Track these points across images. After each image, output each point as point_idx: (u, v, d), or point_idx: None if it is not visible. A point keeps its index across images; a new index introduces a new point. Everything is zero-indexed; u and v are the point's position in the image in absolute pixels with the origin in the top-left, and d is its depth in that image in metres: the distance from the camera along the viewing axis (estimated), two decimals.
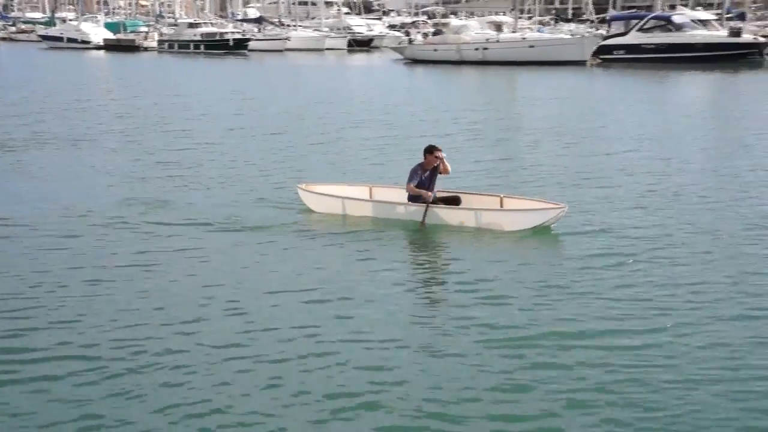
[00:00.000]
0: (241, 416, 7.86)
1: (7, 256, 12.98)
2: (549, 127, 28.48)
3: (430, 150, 14.80)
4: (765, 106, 35.80)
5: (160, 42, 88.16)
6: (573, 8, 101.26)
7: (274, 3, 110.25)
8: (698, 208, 16.24)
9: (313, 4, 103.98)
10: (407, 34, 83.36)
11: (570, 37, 67.45)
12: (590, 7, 77.01)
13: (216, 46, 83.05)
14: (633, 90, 45.51)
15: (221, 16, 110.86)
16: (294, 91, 43.81)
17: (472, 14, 75.40)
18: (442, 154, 14.65)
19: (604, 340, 9.54)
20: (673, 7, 76.32)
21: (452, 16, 79.45)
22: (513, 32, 66.63)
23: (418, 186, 14.62)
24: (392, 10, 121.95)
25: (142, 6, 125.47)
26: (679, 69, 55.05)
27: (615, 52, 63.06)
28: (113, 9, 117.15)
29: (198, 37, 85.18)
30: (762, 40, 62.82)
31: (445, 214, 14.60)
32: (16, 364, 9.02)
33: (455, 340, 9.59)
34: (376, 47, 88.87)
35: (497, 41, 64.87)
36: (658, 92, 44.65)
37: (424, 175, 14.72)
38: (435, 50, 67.22)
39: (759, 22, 74.34)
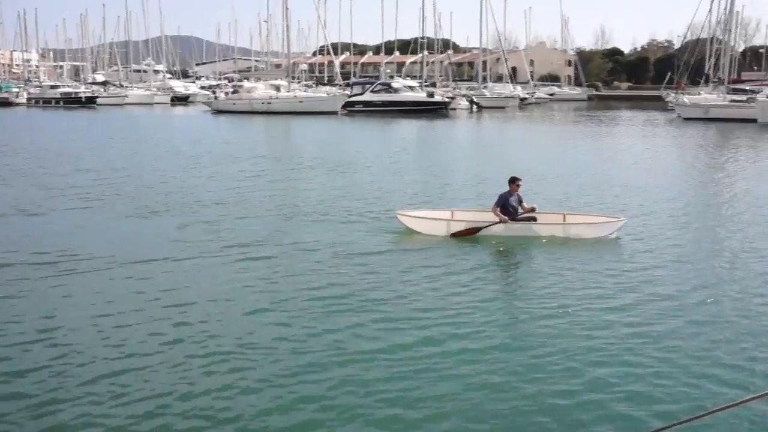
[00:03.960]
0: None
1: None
2: (315, 155, 28.69)
3: (513, 180, 12.93)
4: (451, 139, 38.76)
5: (29, 99, 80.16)
6: (328, 76, 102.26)
7: (116, 71, 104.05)
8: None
9: (145, 71, 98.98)
10: (214, 92, 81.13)
11: (326, 95, 67.76)
12: (339, 75, 77.79)
13: (72, 101, 76.57)
14: (370, 130, 46.54)
15: (76, 80, 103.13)
16: (137, 133, 41.71)
17: (259, 79, 74.16)
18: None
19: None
20: (392, 77, 79.07)
21: (245, 80, 77.82)
22: (288, 92, 66.06)
23: (502, 209, 12.72)
24: (203, 76, 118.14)
25: (14, 72, 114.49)
26: (397, 118, 56.64)
27: (356, 106, 63.63)
28: None
29: (58, 95, 78.27)
30: (447, 99, 66.38)
31: (537, 228, 12.77)
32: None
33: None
34: (192, 102, 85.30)
35: (277, 98, 63.94)
36: (386, 132, 45.89)
37: (512, 199, 12.82)
38: (234, 104, 65.22)
39: (444, 89, 78.31)
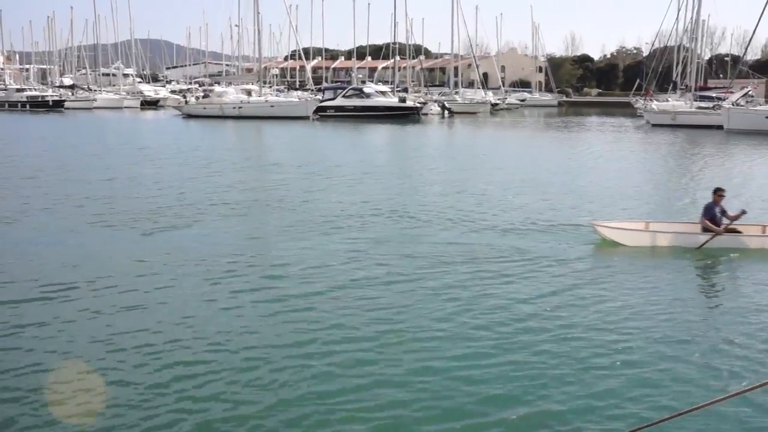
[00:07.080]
0: None
1: None
2: (285, 160, 28.43)
3: (717, 191, 12.92)
4: (421, 143, 38.87)
5: None
6: (299, 81, 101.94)
7: (84, 74, 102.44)
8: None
9: (114, 75, 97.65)
10: (184, 96, 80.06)
11: (298, 100, 67.27)
12: (310, 80, 77.50)
13: (39, 105, 75.44)
14: (341, 135, 46.31)
15: (43, 83, 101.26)
16: (107, 137, 41.13)
17: (230, 83, 73.64)
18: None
19: None
20: (364, 82, 78.96)
21: (216, 84, 77.28)
22: (259, 96, 65.57)
23: (710, 220, 12.66)
24: (173, 80, 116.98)
25: None
26: (369, 123, 56.39)
27: (328, 111, 63.22)
28: None
29: (24, 99, 77.16)
30: (419, 105, 66.41)
31: (744, 240, 12.56)
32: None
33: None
34: (162, 106, 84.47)
35: (248, 102, 63.32)
36: (358, 136, 45.75)
37: (717, 210, 12.76)
38: (204, 108, 64.33)
39: (416, 94, 78.44)
